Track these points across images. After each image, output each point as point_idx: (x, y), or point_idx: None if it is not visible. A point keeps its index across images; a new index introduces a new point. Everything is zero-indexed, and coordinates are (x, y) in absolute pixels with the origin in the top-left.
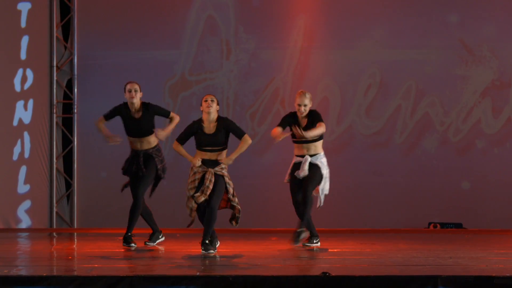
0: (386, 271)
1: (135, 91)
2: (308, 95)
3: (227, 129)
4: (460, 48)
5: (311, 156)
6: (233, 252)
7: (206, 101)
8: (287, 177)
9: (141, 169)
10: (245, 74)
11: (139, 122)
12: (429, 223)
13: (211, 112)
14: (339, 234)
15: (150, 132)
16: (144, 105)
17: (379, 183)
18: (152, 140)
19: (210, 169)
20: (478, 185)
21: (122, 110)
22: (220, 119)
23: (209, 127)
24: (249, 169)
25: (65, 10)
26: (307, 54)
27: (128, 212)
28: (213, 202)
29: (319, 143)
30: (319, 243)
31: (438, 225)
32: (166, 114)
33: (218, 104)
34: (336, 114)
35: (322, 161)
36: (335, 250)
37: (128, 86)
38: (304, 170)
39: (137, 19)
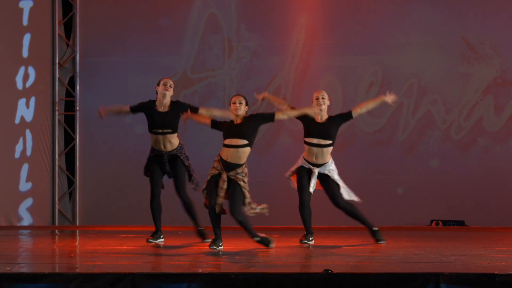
0: (388, 269)
1: (170, 86)
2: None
3: (255, 123)
4: (462, 46)
5: (319, 166)
6: (235, 249)
7: (234, 103)
8: (288, 173)
9: (169, 171)
10: (247, 72)
11: (165, 115)
12: (431, 221)
13: (239, 114)
14: (341, 232)
15: (174, 127)
16: (173, 102)
17: (381, 180)
18: (174, 141)
19: (224, 172)
20: (480, 182)
21: (148, 105)
22: (246, 117)
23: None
24: (251, 167)
25: (67, 8)
26: (309, 51)
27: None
28: (235, 214)
29: (329, 150)
30: (313, 241)
31: (440, 223)
32: (195, 109)
33: (247, 104)
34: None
35: (331, 169)
36: (337, 247)
37: (164, 80)
38: (312, 186)
39: (139, 16)
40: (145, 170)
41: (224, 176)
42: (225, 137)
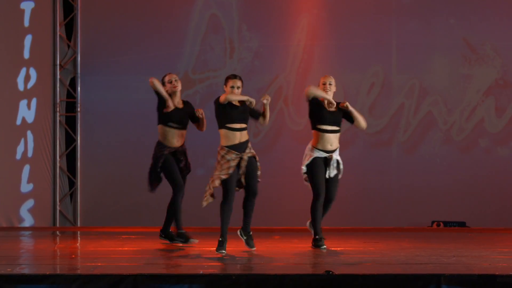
0: (389, 270)
1: (176, 80)
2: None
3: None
4: (464, 47)
5: (333, 151)
6: (236, 250)
7: (232, 87)
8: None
9: (187, 166)
10: (248, 73)
11: (182, 110)
12: (432, 222)
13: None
14: (342, 233)
15: (186, 125)
16: (184, 101)
17: (382, 181)
18: (184, 135)
19: (244, 156)
20: (481, 184)
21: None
22: None
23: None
24: None
25: (68, 9)
26: (311, 52)
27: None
28: (255, 188)
29: (338, 136)
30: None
31: (442, 224)
32: (196, 119)
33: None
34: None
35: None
36: (338, 248)
37: (168, 78)
38: (330, 174)
39: (140, 17)
40: (161, 170)
41: (245, 157)
42: (231, 122)
